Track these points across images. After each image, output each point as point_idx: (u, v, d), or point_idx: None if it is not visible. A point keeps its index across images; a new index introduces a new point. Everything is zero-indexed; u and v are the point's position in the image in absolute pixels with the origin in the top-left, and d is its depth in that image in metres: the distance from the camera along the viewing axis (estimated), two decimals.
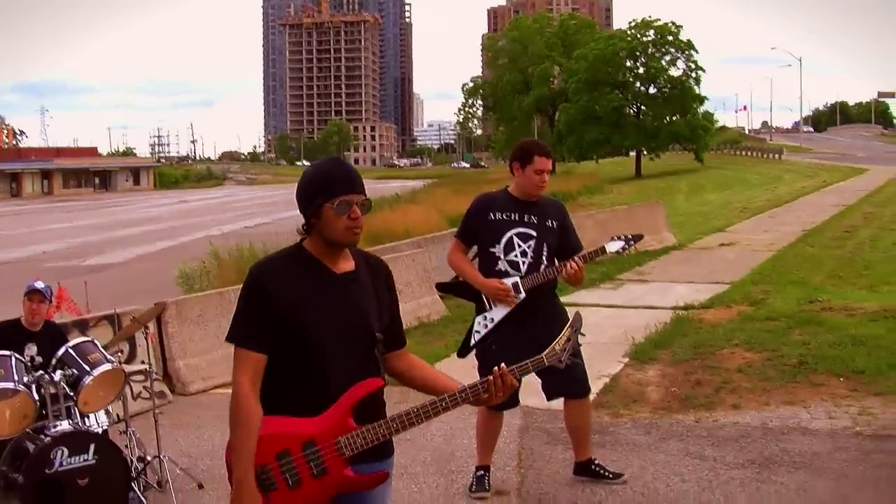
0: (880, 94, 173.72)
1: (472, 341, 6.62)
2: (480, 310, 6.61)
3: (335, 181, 3.67)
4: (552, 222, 6.66)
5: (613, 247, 6.85)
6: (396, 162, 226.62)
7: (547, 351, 3.91)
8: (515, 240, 6.56)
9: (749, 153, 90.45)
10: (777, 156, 79.87)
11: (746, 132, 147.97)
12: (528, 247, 6.56)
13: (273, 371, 3.67)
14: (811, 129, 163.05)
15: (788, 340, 10.74)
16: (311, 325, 3.62)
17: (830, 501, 6.35)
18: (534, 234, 6.58)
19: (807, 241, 22.53)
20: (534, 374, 6.64)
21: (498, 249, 6.56)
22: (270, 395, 3.65)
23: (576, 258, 6.49)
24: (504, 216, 6.60)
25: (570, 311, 6.47)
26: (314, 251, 3.74)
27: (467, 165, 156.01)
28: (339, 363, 3.64)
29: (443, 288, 7.41)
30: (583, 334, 4.06)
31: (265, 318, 3.61)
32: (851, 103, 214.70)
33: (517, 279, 6.49)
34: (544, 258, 6.60)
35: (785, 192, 42.27)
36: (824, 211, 30.49)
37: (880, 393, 8.72)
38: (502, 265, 6.54)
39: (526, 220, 6.60)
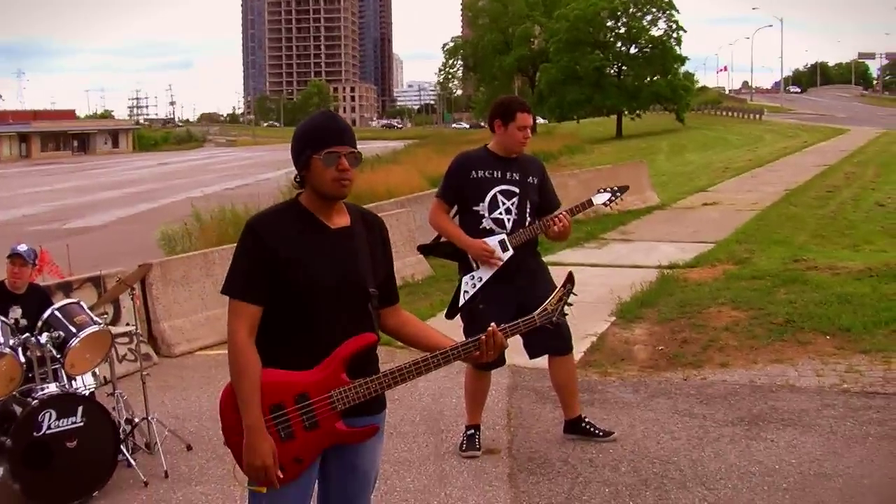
0: (860, 55, 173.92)
1: (461, 301, 6.58)
2: (466, 269, 6.57)
3: (323, 133, 3.68)
4: (533, 179, 6.63)
5: (600, 199, 6.84)
6: (372, 123, 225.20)
7: (538, 310, 3.91)
8: (499, 197, 6.52)
9: (730, 113, 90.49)
10: (758, 116, 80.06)
11: (727, 92, 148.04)
12: (513, 204, 6.52)
13: (267, 324, 3.68)
14: (798, 90, 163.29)
15: (774, 299, 10.75)
16: (305, 279, 3.62)
17: (820, 458, 6.35)
18: (517, 190, 6.54)
19: (789, 200, 22.53)
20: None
21: (482, 207, 6.51)
22: (264, 347, 3.65)
23: (563, 212, 6.47)
24: (486, 174, 6.54)
25: (555, 271, 6.53)
26: (309, 205, 3.74)
27: (467, 126, 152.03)
28: (333, 317, 3.66)
29: (425, 250, 7.35)
30: (575, 294, 4.03)
31: (262, 270, 3.62)
32: (831, 64, 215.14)
33: (504, 236, 6.46)
34: (528, 214, 6.57)
35: (766, 152, 42.32)
36: (806, 171, 30.52)
37: (867, 351, 8.74)
38: (487, 223, 6.50)
39: (508, 177, 6.55)
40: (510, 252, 6.43)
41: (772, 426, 7.04)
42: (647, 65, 77.11)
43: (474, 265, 6.52)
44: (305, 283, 3.62)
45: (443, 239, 6.76)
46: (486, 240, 6.45)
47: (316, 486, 3.87)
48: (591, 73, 75.91)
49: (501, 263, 6.43)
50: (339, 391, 3.61)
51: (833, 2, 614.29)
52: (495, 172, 6.54)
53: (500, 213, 6.50)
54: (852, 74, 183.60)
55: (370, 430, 3.75)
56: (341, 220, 3.79)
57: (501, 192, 6.51)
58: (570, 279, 4.04)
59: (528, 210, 6.58)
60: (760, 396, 7.75)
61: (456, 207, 6.71)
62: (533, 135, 7.20)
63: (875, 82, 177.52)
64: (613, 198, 6.87)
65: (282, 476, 3.62)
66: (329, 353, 3.61)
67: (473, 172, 6.55)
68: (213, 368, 9.62)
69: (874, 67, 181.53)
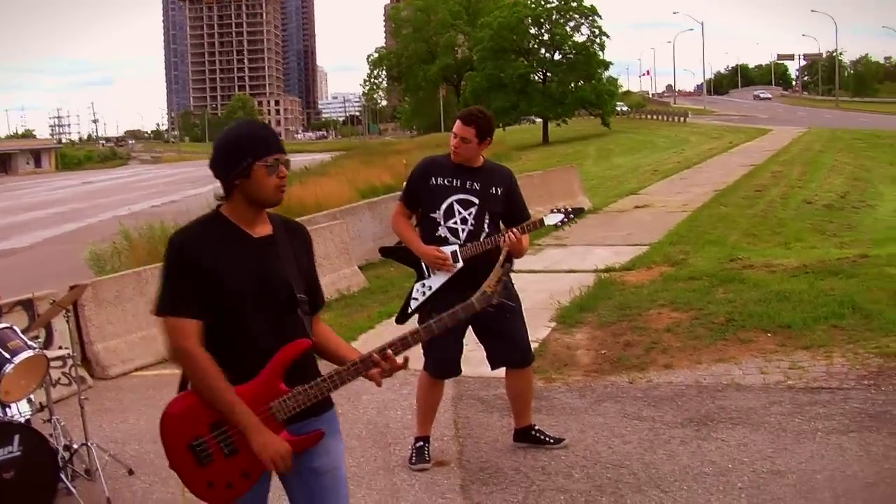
0: (779, 56, 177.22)
1: (410, 308, 6.49)
2: (420, 276, 6.49)
3: (264, 141, 3.68)
4: (497, 189, 6.54)
5: (552, 219, 6.72)
6: (299, 136, 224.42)
7: (477, 294, 3.88)
8: (456, 206, 6.43)
9: (655, 117, 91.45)
10: (682, 119, 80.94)
11: (650, 96, 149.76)
12: (469, 214, 6.43)
13: (204, 339, 3.62)
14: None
15: (713, 298, 10.78)
16: (233, 290, 3.60)
17: (772, 455, 6.35)
18: (476, 200, 6.45)
19: (720, 201, 22.74)
20: (477, 343, 6.62)
21: (438, 215, 6.43)
22: None
23: (514, 229, 6.37)
24: (445, 181, 6.46)
25: None
26: (232, 216, 3.71)
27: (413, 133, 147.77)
28: (265, 327, 3.64)
29: (386, 252, 7.24)
30: (514, 270, 4.00)
31: (190, 284, 3.57)
32: (752, 66, 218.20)
33: (456, 247, 6.37)
34: (486, 226, 6.48)
35: (693, 153, 42.76)
36: (733, 171, 30.84)
37: (808, 346, 8.77)
38: (442, 231, 6.42)
39: (468, 186, 6.47)
40: (460, 264, 6.34)
41: (721, 426, 7.03)
42: (572, 71, 77.71)
43: (427, 273, 6.43)
44: (232, 294, 3.59)
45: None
46: (439, 248, 6.36)
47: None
48: (515, 80, 76.36)
49: (454, 272, 6.35)
50: (279, 401, 3.59)
51: (751, 5, 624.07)
52: (455, 181, 6.46)
53: (455, 223, 6.41)
54: (772, 75, 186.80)
55: (314, 437, 3.70)
56: (264, 228, 3.77)
57: (458, 201, 6.44)
58: (507, 259, 4.03)
59: (486, 221, 6.49)
60: (707, 396, 7.75)
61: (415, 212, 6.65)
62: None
63: (794, 83, 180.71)
64: (566, 219, 6.77)
65: (233, 493, 3.60)
66: (264, 362, 3.58)
67: (433, 179, 6.47)
68: (150, 389, 9.41)
69: (792, 68, 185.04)
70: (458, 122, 6.47)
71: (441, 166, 6.53)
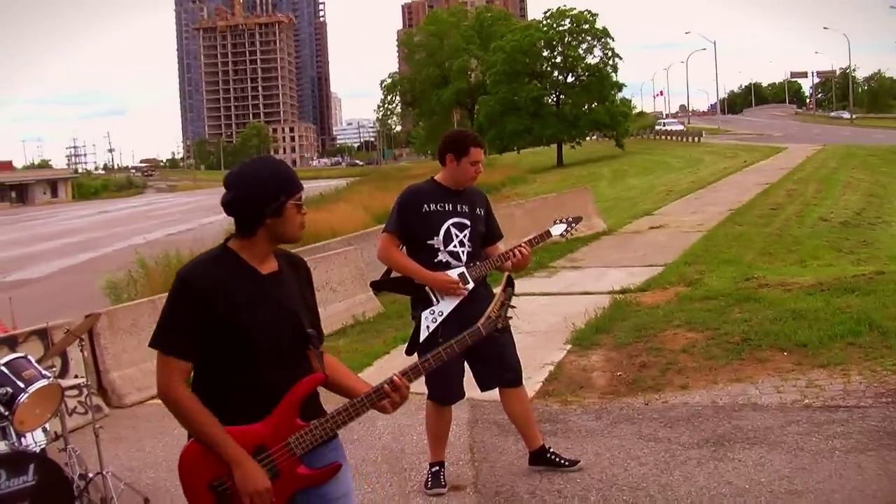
0: (792, 74, 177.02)
1: (422, 336, 6.46)
2: (426, 304, 6.42)
3: (292, 178, 3.74)
4: (480, 210, 6.59)
5: (557, 230, 6.84)
6: (314, 163, 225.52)
7: (482, 320, 3.92)
8: (452, 230, 6.43)
9: (669, 137, 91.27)
10: (696, 139, 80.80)
11: (664, 117, 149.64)
12: (465, 236, 6.45)
13: (213, 380, 3.66)
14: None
15: (729, 318, 10.73)
16: (245, 328, 3.61)
17: (790, 475, 6.30)
18: (467, 223, 6.47)
19: (735, 220, 22.69)
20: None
21: (437, 241, 6.40)
22: (213, 405, 3.60)
23: (523, 243, 6.40)
24: (438, 206, 6.45)
25: None
26: (242, 252, 3.72)
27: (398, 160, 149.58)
28: (277, 363, 3.66)
29: (378, 286, 7.22)
30: (515, 296, 4.06)
31: (195, 324, 3.58)
32: (765, 84, 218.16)
33: (463, 269, 6.36)
34: (478, 246, 6.52)
35: (707, 173, 42.69)
36: (748, 190, 30.76)
37: (824, 365, 8.72)
38: (443, 256, 6.39)
39: (459, 209, 6.48)
40: (471, 285, 6.34)
41: (738, 446, 6.98)
42: (585, 93, 77.82)
43: (435, 299, 6.39)
44: (245, 332, 3.60)
45: (394, 274, 6.64)
46: (446, 273, 6.35)
47: None
48: (529, 103, 76.50)
49: (466, 294, 6.34)
50: (296, 436, 3.61)
51: (764, 24, 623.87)
52: (446, 205, 6.45)
53: (455, 246, 6.40)
54: (786, 93, 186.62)
55: (332, 471, 3.72)
56: (271, 265, 3.78)
57: (454, 224, 6.43)
58: (509, 282, 4.08)
59: (478, 241, 6.52)
60: (724, 416, 7.70)
61: (404, 242, 6.61)
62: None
63: (808, 100, 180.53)
64: (570, 227, 6.91)
65: None
66: (277, 399, 3.59)
67: (425, 206, 6.44)
68: (166, 417, 9.30)
69: (806, 86, 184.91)
70: (477, 149, 6.47)
71: (429, 193, 6.51)
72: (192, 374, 3.70)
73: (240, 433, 3.56)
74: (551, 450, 6.87)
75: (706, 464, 6.68)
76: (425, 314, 6.39)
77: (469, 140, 6.50)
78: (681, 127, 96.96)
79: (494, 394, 6.99)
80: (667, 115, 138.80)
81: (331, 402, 3.81)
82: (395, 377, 3.73)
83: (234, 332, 3.58)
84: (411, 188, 6.73)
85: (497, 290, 4.09)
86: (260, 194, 3.64)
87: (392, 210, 6.61)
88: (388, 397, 3.71)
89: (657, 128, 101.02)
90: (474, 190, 6.73)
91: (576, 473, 6.70)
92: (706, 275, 14.27)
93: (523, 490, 6.53)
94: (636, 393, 8.66)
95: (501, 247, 6.66)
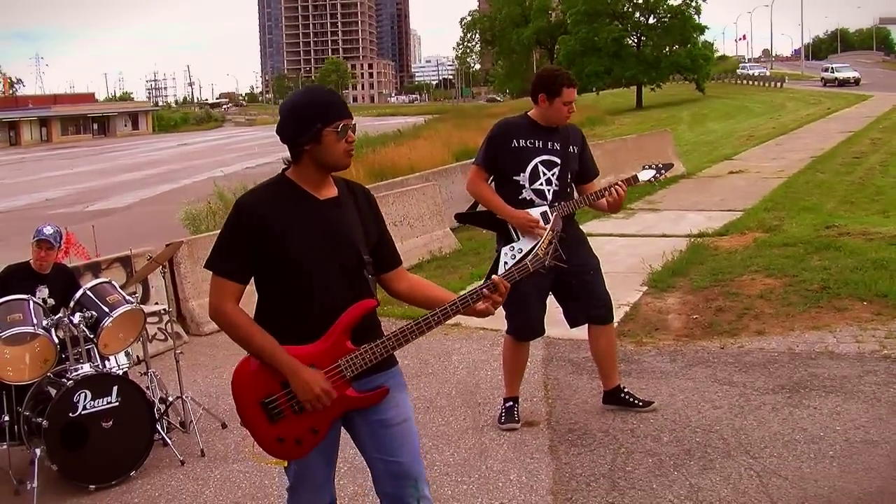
0: (881, 20, 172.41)
1: (500, 271, 6.47)
2: (506, 240, 6.43)
3: (332, 106, 3.73)
4: (574, 148, 6.50)
5: (645, 175, 6.73)
6: (392, 99, 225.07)
7: (530, 257, 3.94)
8: (540, 167, 6.38)
9: (750, 82, 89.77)
10: (779, 84, 79.37)
11: (747, 61, 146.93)
12: (553, 174, 6.39)
13: (268, 301, 3.76)
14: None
15: (808, 266, 10.61)
16: (300, 252, 3.67)
17: (866, 424, 6.24)
18: (558, 161, 6.41)
19: (816, 167, 22.29)
20: (556, 303, 6.60)
21: (522, 178, 6.38)
22: (267, 325, 3.69)
23: (619, 183, 6.36)
24: (528, 143, 6.40)
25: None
26: (298, 180, 3.78)
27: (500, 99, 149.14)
28: (331, 287, 3.71)
29: (462, 218, 7.21)
30: (563, 235, 4.18)
31: (251, 249, 3.66)
32: (852, 30, 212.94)
33: (546, 208, 6.33)
34: (568, 185, 6.46)
35: (789, 119, 41.96)
36: (831, 138, 30.17)
37: None
38: (527, 193, 6.36)
39: (550, 147, 6.41)
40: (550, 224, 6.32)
41: (813, 393, 6.93)
42: (667, 35, 76.72)
43: (515, 236, 6.38)
44: (300, 255, 3.67)
45: (480, 207, 6.64)
46: (528, 210, 6.34)
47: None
48: (609, 44, 75.61)
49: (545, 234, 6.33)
50: (347, 359, 3.68)
51: None
52: (537, 142, 6.41)
53: (541, 184, 6.36)
54: (873, 40, 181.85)
55: (379, 394, 3.79)
56: (329, 191, 3.83)
57: (542, 162, 6.38)
58: (556, 221, 4.21)
59: (569, 180, 6.47)
60: (800, 364, 7.64)
61: (493, 176, 6.59)
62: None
63: None
64: (658, 175, 6.78)
65: (302, 449, 3.73)
66: (330, 321, 3.67)
67: (514, 141, 6.40)
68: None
69: (895, 32, 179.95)
70: (569, 89, 6.37)
71: (521, 128, 6.46)
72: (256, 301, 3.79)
73: (292, 353, 3.63)
74: (625, 389, 6.89)
75: (781, 409, 6.65)
76: (505, 249, 6.40)
77: (562, 80, 6.40)
78: (764, 71, 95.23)
79: (569, 332, 7.02)
80: (749, 60, 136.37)
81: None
82: (495, 278, 3.79)
83: (289, 254, 3.65)
84: (504, 122, 6.69)
85: (547, 228, 4.10)
86: (296, 122, 3.69)
87: (483, 142, 6.61)
88: (488, 299, 3.76)
89: (739, 72, 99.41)
90: (570, 126, 6.63)
91: (649, 414, 6.71)
92: (785, 221, 14.07)
93: (596, 428, 6.56)
94: (711, 337, 8.62)
95: (597, 184, 6.63)
